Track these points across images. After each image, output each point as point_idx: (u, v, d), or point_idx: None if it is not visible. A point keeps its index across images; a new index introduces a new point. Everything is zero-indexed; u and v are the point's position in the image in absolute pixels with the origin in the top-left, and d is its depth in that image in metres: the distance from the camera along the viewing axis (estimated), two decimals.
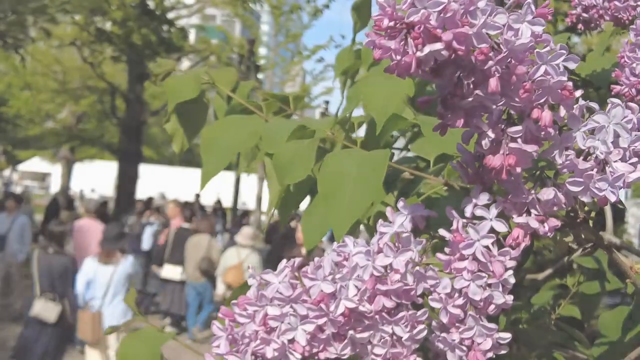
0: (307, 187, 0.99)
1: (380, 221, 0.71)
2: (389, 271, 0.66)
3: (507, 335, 0.66)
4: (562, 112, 0.63)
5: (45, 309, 5.12)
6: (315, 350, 0.65)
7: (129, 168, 14.92)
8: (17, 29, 13.57)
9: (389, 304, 0.65)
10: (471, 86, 0.62)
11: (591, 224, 0.76)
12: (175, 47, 14.07)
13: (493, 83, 0.60)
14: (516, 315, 1.33)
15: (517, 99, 0.62)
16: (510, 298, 0.67)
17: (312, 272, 0.66)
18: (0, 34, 13.51)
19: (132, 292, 1.03)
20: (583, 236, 0.77)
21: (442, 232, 0.69)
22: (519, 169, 0.65)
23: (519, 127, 0.65)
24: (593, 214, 0.76)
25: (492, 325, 0.66)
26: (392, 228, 0.69)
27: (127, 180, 14.91)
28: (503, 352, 0.67)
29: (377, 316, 0.65)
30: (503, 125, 0.66)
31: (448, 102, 0.62)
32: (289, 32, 16.14)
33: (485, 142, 0.65)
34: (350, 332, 0.65)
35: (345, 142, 0.89)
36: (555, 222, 0.69)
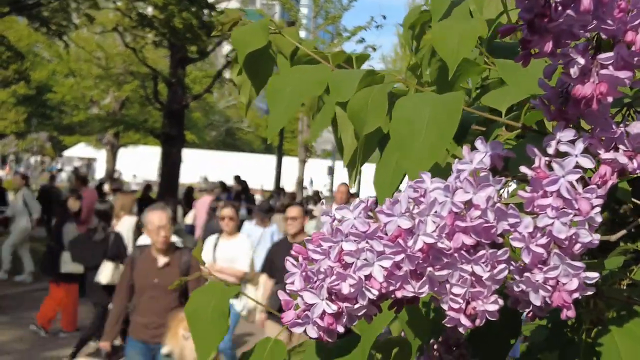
0: (376, 139, 0.95)
1: (456, 160, 0.67)
2: (468, 208, 0.63)
3: (595, 275, 0.63)
4: None
5: None
6: (392, 288, 0.62)
7: (172, 152, 15.07)
8: (60, 16, 13.80)
9: (469, 241, 0.62)
10: (559, 7, 0.58)
11: None
12: None
13: (586, 1, 0.56)
14: None
15: (609, 21, 0.58)
16: (597, 237, 0.63)
17: (388, 208, 0.63)
18: (44, 21, 13.76)
19: (199, 246, 1.03)
20: None
21: (523, 169, 0.66)
22: (610, 98, 0.61)
23: (610, 54, 0.61)
24: None
25: (579, 264, 0.62)
26: (470, 165, 0.66)
27: (170, 165, 15.07)
28: (590, 292, 0.63)
29: (456, 254, 0.62)
30: (592, 54, 0.62)
31: (536, 24, 0.59)
32: (328, 14, 16.03)
33: (574, 70, 0.62)
34: (429, 269, 0.62)
35: (417, 87, 0.85)
36: None
